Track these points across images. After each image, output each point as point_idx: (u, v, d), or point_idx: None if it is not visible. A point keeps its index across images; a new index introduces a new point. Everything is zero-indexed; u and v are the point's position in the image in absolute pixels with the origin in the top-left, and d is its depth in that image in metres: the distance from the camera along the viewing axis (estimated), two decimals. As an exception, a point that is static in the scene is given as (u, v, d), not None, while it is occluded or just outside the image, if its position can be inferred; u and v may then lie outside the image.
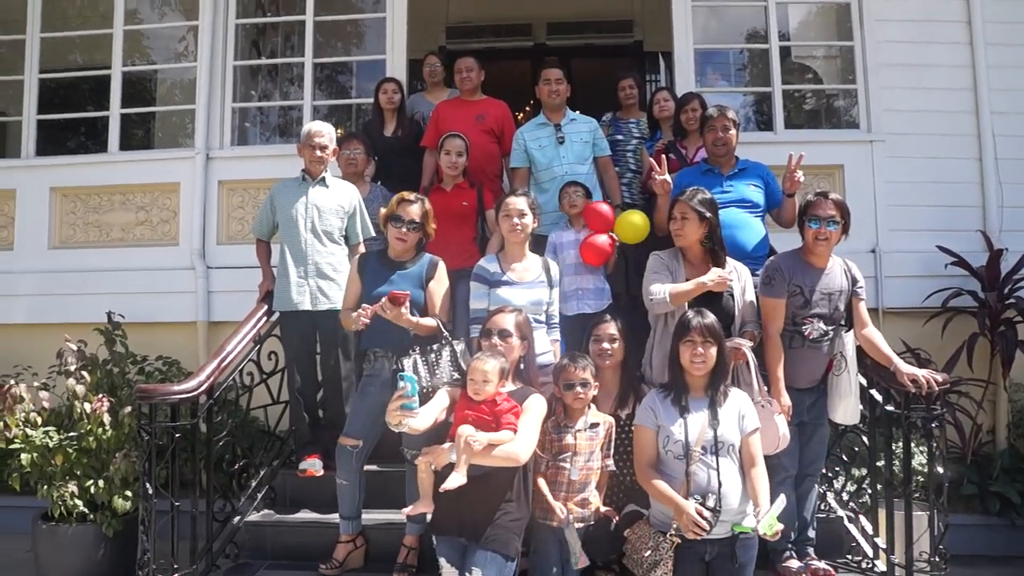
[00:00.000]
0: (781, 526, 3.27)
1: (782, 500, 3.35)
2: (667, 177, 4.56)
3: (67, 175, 6.81)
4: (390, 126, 5.91)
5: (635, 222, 4.83)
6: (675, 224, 4.05)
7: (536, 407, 3.54)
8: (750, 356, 3.82)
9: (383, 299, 3.80)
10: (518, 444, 3.41)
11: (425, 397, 3.78)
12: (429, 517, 3.61)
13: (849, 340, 4.03)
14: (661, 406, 3.53)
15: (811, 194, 4.11)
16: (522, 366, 3.75)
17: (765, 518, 3.24)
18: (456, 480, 3.31)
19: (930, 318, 5.93)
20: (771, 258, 4.16)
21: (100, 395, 4.93)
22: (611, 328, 3.97)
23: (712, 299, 3.89)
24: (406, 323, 3.87)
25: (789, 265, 3.98)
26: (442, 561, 3.48)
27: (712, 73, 7.19)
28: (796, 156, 4.55)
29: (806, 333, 3.96)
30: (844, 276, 4.04)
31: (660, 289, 3.96)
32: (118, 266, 6.54)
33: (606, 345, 3.93)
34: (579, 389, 3.64)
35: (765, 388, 3.83)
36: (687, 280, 3.97)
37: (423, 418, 3.45)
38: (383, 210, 4.26)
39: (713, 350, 3.49)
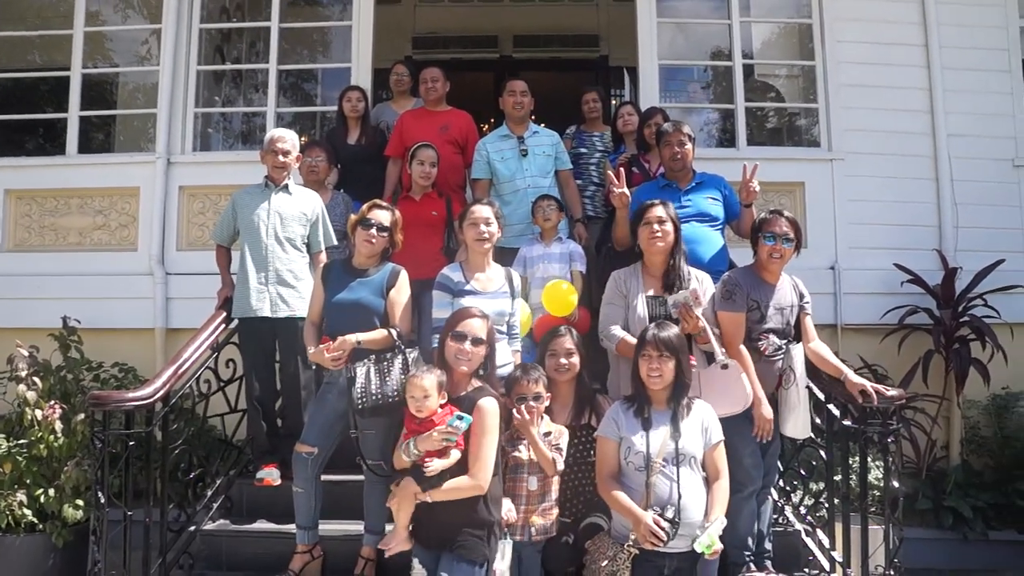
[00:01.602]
0: (720, 546, 3.30)
1: (722, 521, 3.37)
2: (625, 190, 4.58)
3: (23, 177, 6.68)
4: (354, 134, 5.88)
5: (558, 296, 4.67)
6: (650, 230, 4.04)
7: (488, 423, 3.46)
8: (704, 322, 3.80)
9: (324, 347, 3.86)
10: (477, 474, 3.39)
11: (376, 406, 3.77)
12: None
13: (798, 354, 4.06)
14: (624, 417, 3.54)
15: (766, 211, 4.16)
16: (481, 372, 3.71)
17: (703, 537, 3.26)
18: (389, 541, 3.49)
19: (887, 335, 6.02)
20: (728, 273, 4.18)
21: (52, 402, 4.82)
22: (567, 343, 3.97)
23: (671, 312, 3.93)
24: (354, 345, 3.86)
25: (745, 281, 4.01)
26: (415, 562, 3.46)
27: (676, 89, 7.27)
28: (751, 166, 4.61)
29: (762, 348, 3.98)
30: (793, 291, 4.10)
31: (612, 336, 4.04)
32: (74, 271, 6.42)
33: (563, 360, 3.93)
34: (532, 403, 3.65)
35: (724, 350, 3.83)
36: (648, 295, 4.00)
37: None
38: (352, 216, 4.23)
39: (671, 364, 3.50)
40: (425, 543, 3.47)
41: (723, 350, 3.80)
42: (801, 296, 4.12)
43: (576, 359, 3.94)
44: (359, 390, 3.77)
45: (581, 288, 4.87)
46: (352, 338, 3.87)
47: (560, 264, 4.89)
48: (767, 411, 3.88)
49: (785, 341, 4.04)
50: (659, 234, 4.03)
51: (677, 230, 4.10)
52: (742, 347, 3.93)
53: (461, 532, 3.38)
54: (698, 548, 3.26)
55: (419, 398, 3.46)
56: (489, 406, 3.48)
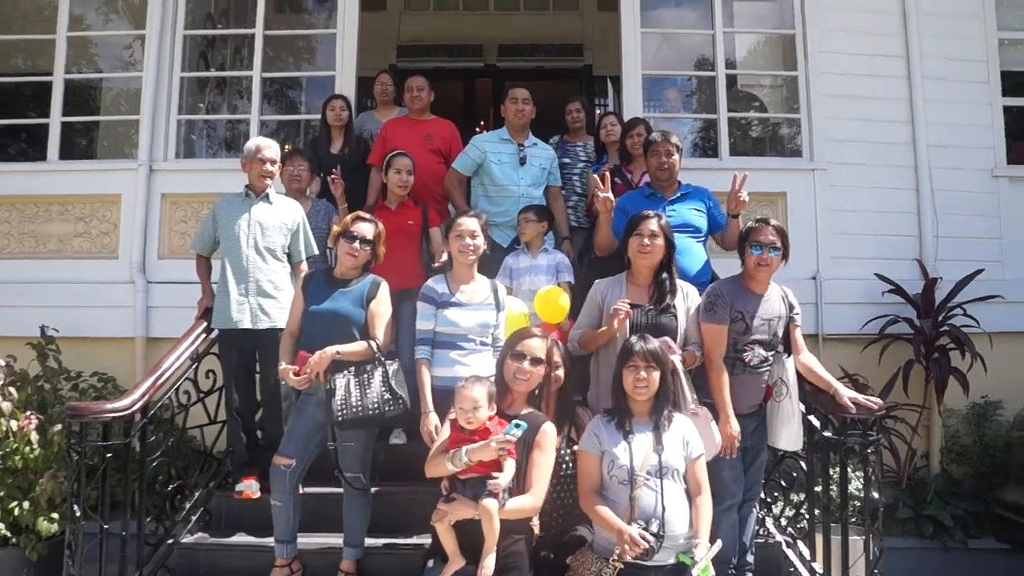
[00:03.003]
0: (713, 573, 3.29)
1: (718, 544, 3.37)
2: (610, 195, 4.58)
3: (2, 183, 6.62)
4: (337, 143, 5.87)
5: (551, 302, 4.66)
6: (640, 242, 4.02)
7: (548, 445, 3.46)
8: (679, 366, 3.78)
9: (291, 368, 3.85)
10: (537, 495, 3.38)
11: (356, 419, 3.76)
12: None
13: (789, 366, 4.07)
14: (605, 431, 3.53)
15: (752, 220, 4.15)
16: (536, 391, 3.69)
17: (700, 562, 3.25)
18: (490, 565, 3.26)
19: (868, 344, 6.06)
20: (712, 284, 4.19)
21: (28, 412, 4.78)
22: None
23: (656, 325, 3.92)
24: (333, 357, 3.84)
25: (730, 291, 4.00)
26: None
27: (660, 98, 7.29)
28: (740, 176, 4.63)
29: (747, 359, 3.98)
30: (782, 302, 4.09)
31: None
32: (54, 278, 6.36)
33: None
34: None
35: (694, 397, 3.83)
36: (627, 303, 3.99)
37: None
38: (335, 227, 4.23)
39: (656, 375, 3.50)
40: (471, 559, 3.36)
41: (693, 397, 3.79)
42: (791, 307, 4.11)
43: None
44: (339, 402, 3.76)
45: (568, 296, 4.86)
46: (331, 350, 3.85)
47: (547, 276, 4.87)
48: (734, 428, 3.86)
49: (772, 353, 4.05)
50: (648, 249, 4.01)
51: (670, 244, 4.08)
52: (721, 362, 3.93)
53: (508, 553, 3.32)
54: (696, 574, 3.24)
55: (468, 410, 3.37)
56: (551, 429, 3.49)
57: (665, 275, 4.07)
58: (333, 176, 5.36)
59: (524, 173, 5.32)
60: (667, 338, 3.81)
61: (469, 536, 3.33)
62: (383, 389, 3.80)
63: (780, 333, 4.07)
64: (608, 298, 4.07)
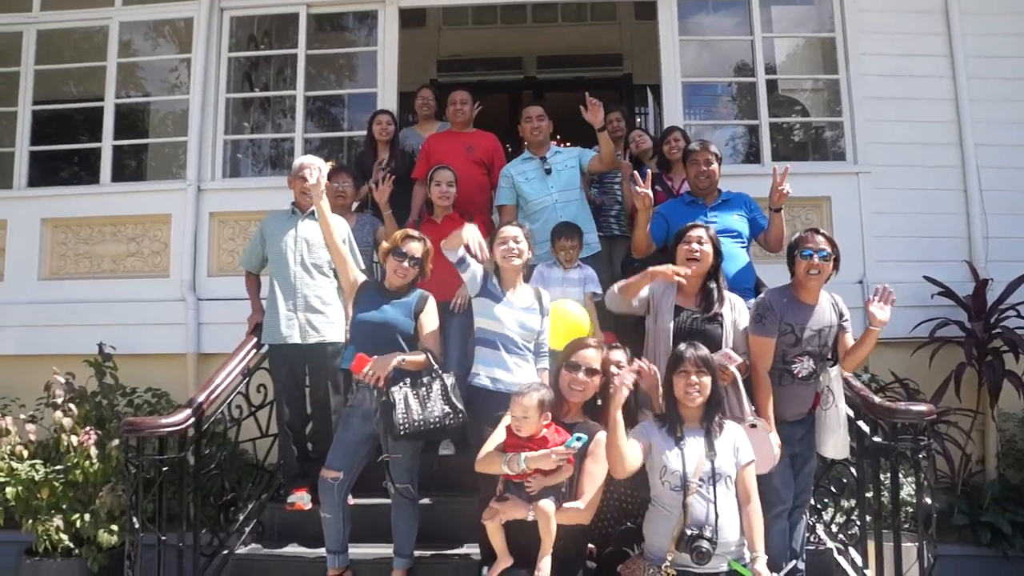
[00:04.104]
0: None
1: (763, 557, 3.33)
2: (648, 191, 4.55)
3: (58, 206, 6.82)
4: (383, 157, 5.94)
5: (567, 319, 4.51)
6: (688, 250, 4.01)
7: (603, 459, 3.46)
8: (737, 375, 3.79)
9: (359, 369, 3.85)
10: (589, 502, 3.40)
11: (418, 432, 3.80)
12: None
13: (836, 374, 4.03)
14: (658, 435, 3.50)
15: (800, 231, 4.09)
16: (599, 402, 3.70)
17: None
18: (546, 567, 3.30)
19: (918, 348, 5.95)
20: (762, 295, 4.13)
21: (87, 428, 4.92)
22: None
23: (702, 332, 3.90)
24: (395, 367, 3.89)
25: (780, 303, 3.94)
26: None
27: (700, 105, 7.28)
28: (782, 169, 4.62)
29: (795, 371, 3.94)
30: (832, 311, 4.03)
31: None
32: (108, 297, 6.53)
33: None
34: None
35: (752, 408, 3.82)
36: (676, 310, 3.98)
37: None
38: (384, 243, 4.28)
39: (707, 379, 3.47)
40: (523, 564, 3.40)
41: (752, 409, 3.79)
42: (840, 315, 4.05)
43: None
44: (400, 415, 3.80)
45: (593, 311, 4.84)
46: (394, 356, 3.89)
47: (578, 289, 4.86)
48: (775, 440, 3.82)
49: (820, 362, 4.00)
50: (697, 255, 3.99)
51: (718, 253, 4.06)
52: (766, 375, 3.91)
53: (563, 560, 3.35)
54: None
55: (519, 417, 3.43)
56: (604, 439, 3.49)
57: (713, 284, 4.05)
58: (377, 180, 5.42)
59: (552, 182, 5.31)
60: (728, 350, 3.81)
61: (519, 539, 3.36)
62: (443, 402, 3.85)
63: (830, 343, 4.02)
64: (656, 292, 4.06)
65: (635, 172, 4.69)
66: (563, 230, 4.96)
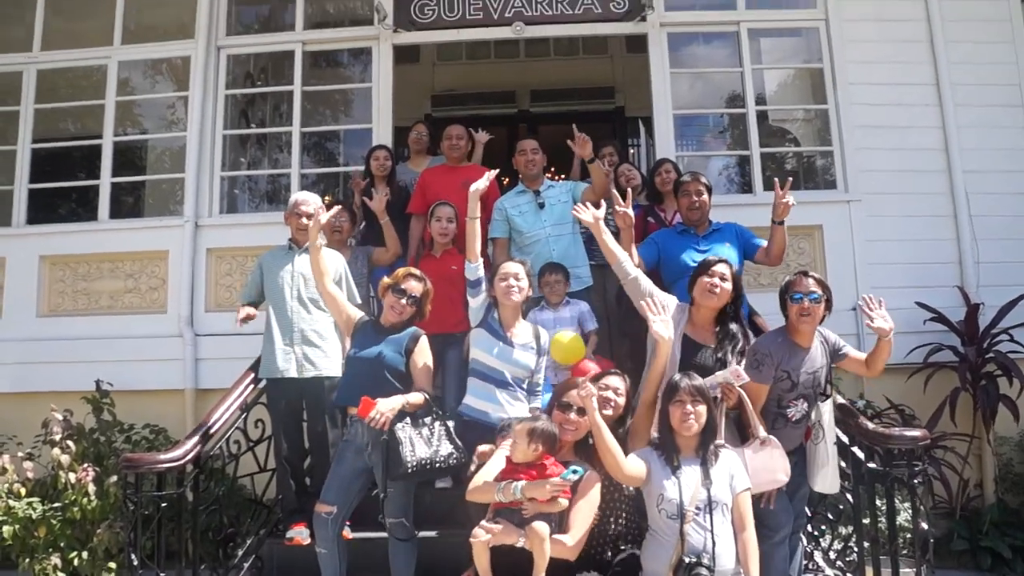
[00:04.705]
0: None
1: None
2: (629, 210, 4.59)
3: (57, 243, 6.87)
4: (380, 192, 5.98)
5: (564, 345, 4.67)
6: (710, 283, 3.97)
7: (593, 495, 3.48)
8: (742, 393, 3.79)
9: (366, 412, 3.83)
10: (577, 538, 3.39)
11: (424, 471, 3.82)
12: None
13: (826, 409, 4.03)
14: (656, 462, 3.52)
15: (791, 274, 4.07)
16: (591, 441, 3.67)
17: None
18: None
19: (912, 374, 6.00)
20: (759, 340, 4.08)
21: (85, 465, 4.92)
22: (616, 380, 3.86)
23: (705, 367, 3.90)
24: (402, 406, 3.89)
25: (778, 349, 3.91)
26: None
27: (692, 136, 7.36)
28: (786, 182, 4.70)
29: (789, 415, 3.94)
30: (822, 349, 4.02)
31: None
32: (106, 334, 6.56)
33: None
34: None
35: (761, 423, 3.82)
36: (684, 336, 3.99)
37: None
38: (386, 279, 4.28)
39: (703, 408, 3.49)
40: None
41: (761, 424, 3.81)
42: (833, 351, 4.05)
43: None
44: (407, 453, 3.80)
45: (594, 345, 4.89)
46: (399, 399, 3.90)
47: (572, 327, 4.89)
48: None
49: (814, 402, 4.01)
50: (717, 290, 3.95)
51: (737, 294, 4.04)
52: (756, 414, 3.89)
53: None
54: None
55: (515, 441, 3.46)
56: (595, 479, 3.52)
57: (735, 326, 4.03)
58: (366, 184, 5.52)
59: (546, 216, 5.34)
60: (736, 367, 3.79)
61: (505, 565, 3.36)
62: (449, 442, 3.90)
63: (823, 380, 4.02)
64: (675, 316, 4.03)
65: (615, 192, 4.75)
66: (547, 267, 5.02)
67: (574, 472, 3.36)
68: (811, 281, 3.91)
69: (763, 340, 4.04)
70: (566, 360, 4.62)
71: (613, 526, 3.74)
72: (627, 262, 4.19)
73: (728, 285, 3.98)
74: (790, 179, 4.72)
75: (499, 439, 3.78)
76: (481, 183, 4.32)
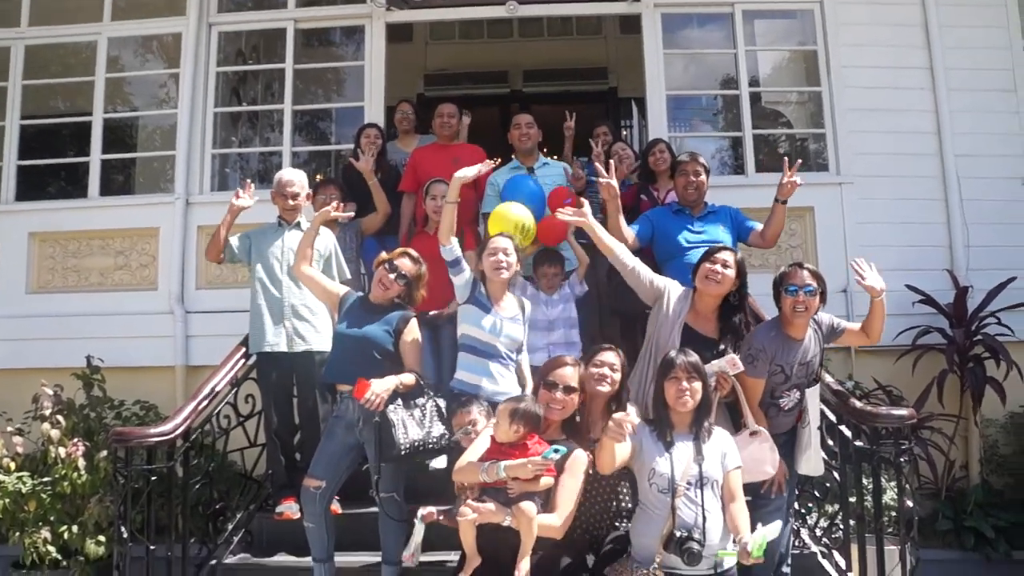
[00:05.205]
0: (762, 559, 3.26)
1: (777, 526, 3.37)
2: (613, 180, 4.58)
3: (46, 220, 6.85)
4: (368, 153, 5.93)
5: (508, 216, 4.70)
6: (711, 268, 3.95)
7: (579, 471, 3.46)
8: (737, 384, 3.82)
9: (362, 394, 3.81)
10: (562, 517, 3.38)
11: (416, 451, 3.83)
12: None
13: (813, 396, 4.05)
14: (649, 439, 3.52)
15: (786, 266, 4.04)
16: (578, 418, 3.70)
17: (758, 538, 3.21)
18: (525, 568, 3.26)
19: (901, 356, 6.04)
20: (753, 335, 4.01)
21: (75, 439, 4.91)
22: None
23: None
24: (395, 387, 3.89)
25: (773, 344, 3.90)
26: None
27: (685, 117, 7.35)
28: (795, 163, 4.73)
29: (782, 405, 3.97)
30: (815, 335, 4.02)
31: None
32: (96, 311, 6.54)
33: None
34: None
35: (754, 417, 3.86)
36: (685, 326, 3.99)
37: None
38: (383, 254, 4.27)
39: (698, 384, 3.49)
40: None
41: (753, 416, 3.83)
42: (828, 329, 4.06)
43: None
44: (400, 435, 3.80)
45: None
46: (392, 380, 3.89)
47: (564, 304, 4.92)
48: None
49: (806, 389, 4.03)
50: (718, 277, 3.93)
51: (741, 280, 4.01)
52: (760, 411, 3.93)
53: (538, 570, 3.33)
54: (751, 548, 3.18)
55: (499, 423, 3.48)
56: (582, 456, 3.49)
57: (738, 318, 4.03)
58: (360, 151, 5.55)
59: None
60: (733, 355, 3.82)
61: (492, 547, 3.37)
62: (441, 423, 3.90)
63: (816, 365, 4.04)
64: (673, 299, 4.06)
65: (597, 163, 4.74)
66: (545, 257, 4.99)
67: (555, 451, 3.35)
68: (806, 273, 3.88)
69: (757, 335, 4.00)
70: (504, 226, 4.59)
71: (604, 502, 3.75)
72: (624, 254, 4.20)
73: (731, 272, 3.95)
74: (799, 160, 4.76)
75: (461, 414, 3.81)
76: (469, 172, 4.25)
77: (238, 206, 4.82)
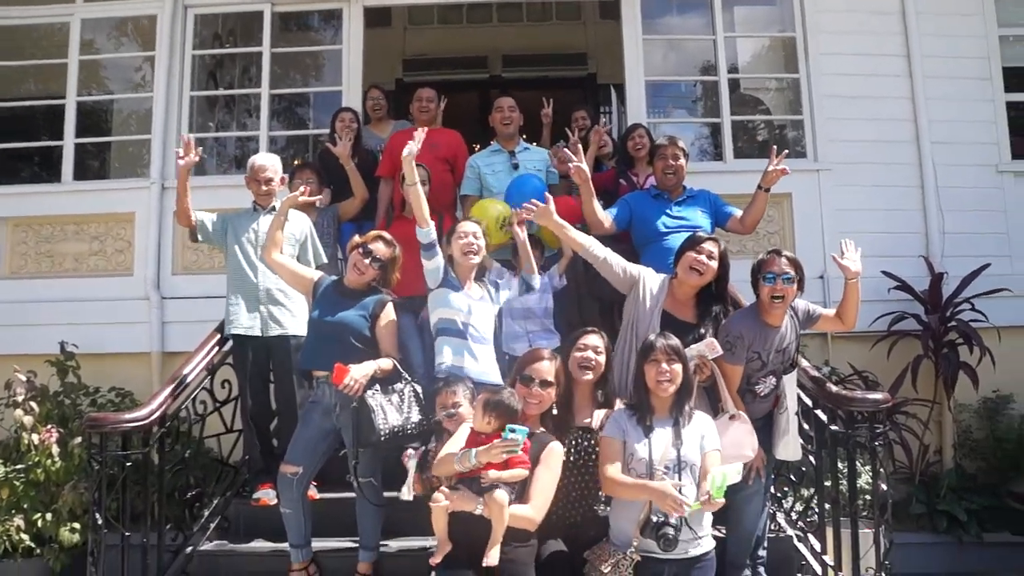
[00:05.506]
0: (722, 501, 3.29)
1: (738, 467, 3.40)
2: (583, 164, 4.57)
3: (19, 204, 6.76)
4: (345, 138, 5.89)
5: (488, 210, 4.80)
6: (697, 259, 3.94)
7: (554, 463, 3.44)
8: (715, 368, 3.84)
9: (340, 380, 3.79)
10: (536, 507, 3.35)
11: (396, 437, 3.82)
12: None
13: (790, 382, 4.08)
14: (628, 423, 3.53)
15: (763, 253, 4.05)
16: (555, 411, 3.68)
17: (717, 477, 3.24)
18: (494, 557, 3.23)
19: (876, 341, 6.09)
20: (730, 322, 4.01)
21: (49, 426, 4.87)
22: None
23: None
24: (374, 373, 3.88)
25: (750, 331, 3.90)
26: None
27: (664, 104, 7.35)
28: (782, 153, 4.77)
29: (758, 391, 3.99)
30: (792, 322, 4.04)
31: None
32: (71, 296, 6.48)
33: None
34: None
35: (731, 400, 3.87)
36: (664, 311, 3.99)
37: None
38: (356, 237, 4.25)
39: (678, 367, 3.49)
40: (469, 565, 3.32)
41: (732, 401, 3.84)
42: (804, 315, 4.08)
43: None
44: (379, 421, 3.79)
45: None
46: (371, 365, 3.88)
47: (542, 294, 4.90)
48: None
49: (782, 375, 4.05)
50: (702, 268, 3.93)
51: (723, 272, 4.02)
52: (738, 397, 3.93)
53: (509, 561, 3.29)
54: (709, 488, 3.23)
55: (478, 417, 3.44)
56: (557, 448, 3.47)
57: (717, 307, 4.04)
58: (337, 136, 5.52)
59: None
60: (712, 339, 3.81)
61: (466, 536, 3.34)
62: (419, 409, 3.90)
63: (793, 351, 4.06)
64: (652, 289, 4.05)
65: (565, 149, 4.74)
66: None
67: (511, 431, 3.28)
68: (784, 261, 3.88)
69: (734, 322, 4.00)
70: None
71: (578, 490, 3.74)
72: (594, 246, 4.17)
73: (714, 264, 3.95)
74: (786, 151, 4.79)
75: (446, 393, 3.78)
76: (413, 147, 4.17)
77: (186, 164, 4.63)
